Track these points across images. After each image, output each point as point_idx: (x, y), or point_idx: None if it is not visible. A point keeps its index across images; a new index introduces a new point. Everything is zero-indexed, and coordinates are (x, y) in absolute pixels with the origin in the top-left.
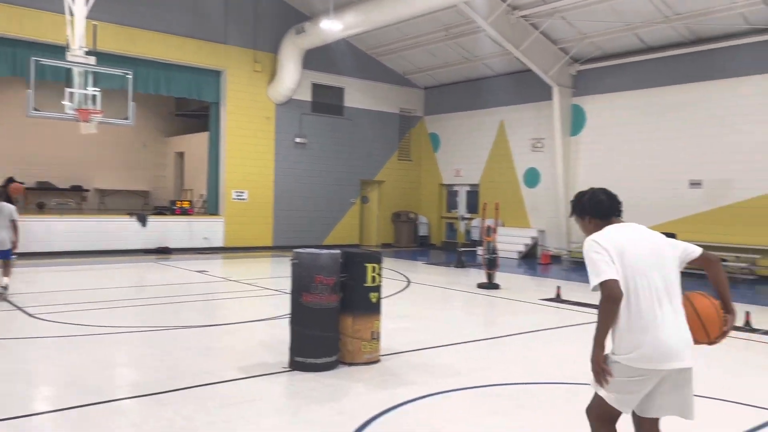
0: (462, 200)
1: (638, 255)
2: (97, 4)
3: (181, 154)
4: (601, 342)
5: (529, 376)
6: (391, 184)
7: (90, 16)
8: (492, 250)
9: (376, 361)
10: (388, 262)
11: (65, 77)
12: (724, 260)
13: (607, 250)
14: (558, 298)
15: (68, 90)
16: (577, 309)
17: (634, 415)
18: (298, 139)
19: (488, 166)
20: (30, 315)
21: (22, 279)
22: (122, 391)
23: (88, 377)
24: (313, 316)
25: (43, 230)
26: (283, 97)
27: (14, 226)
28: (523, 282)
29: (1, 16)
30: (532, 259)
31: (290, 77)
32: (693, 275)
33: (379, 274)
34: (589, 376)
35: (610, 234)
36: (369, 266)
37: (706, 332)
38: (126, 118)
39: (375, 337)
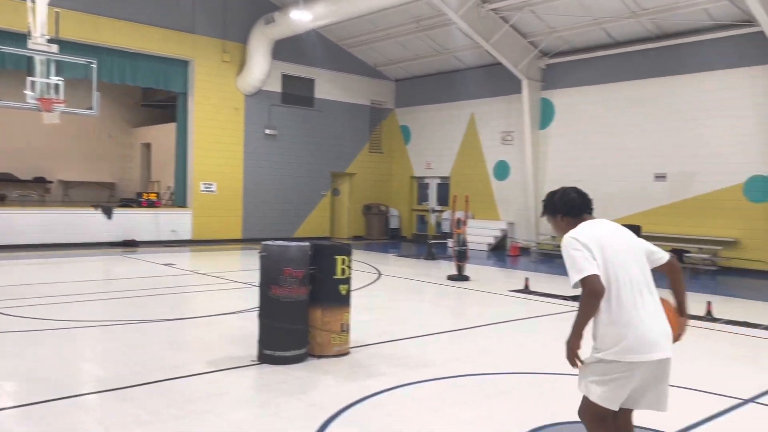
0: (433, 193)
1: (617, 249)
2: None
3: (147, 145)
4: (579, 332)
5: (498, 367)
6: (362, 177)
7: (52, 3)
8: (462, 243)
9: (346, 354)
10: (358, 255)
11: (26, 66)
12: (687, 252)
13: (587, 246)
14: (526, 290)
15: (30, 79)
16: (544, 300)
17: None
18: (267, 131)
19: (459, 158)
20: None
21: None
22: (86, 386)
23: (51, 372)
24: (282, 309)
25: (5, 223)
26: (252, 88)
27: None
28: (493, 274)
29: None
30: (501, 251)
31: (259, 68)
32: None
33: (349, 267)
34: (577, 382)
35: (586, 230)
36: (339, 258)
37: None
38: (90, 108)
39: (345, 330)
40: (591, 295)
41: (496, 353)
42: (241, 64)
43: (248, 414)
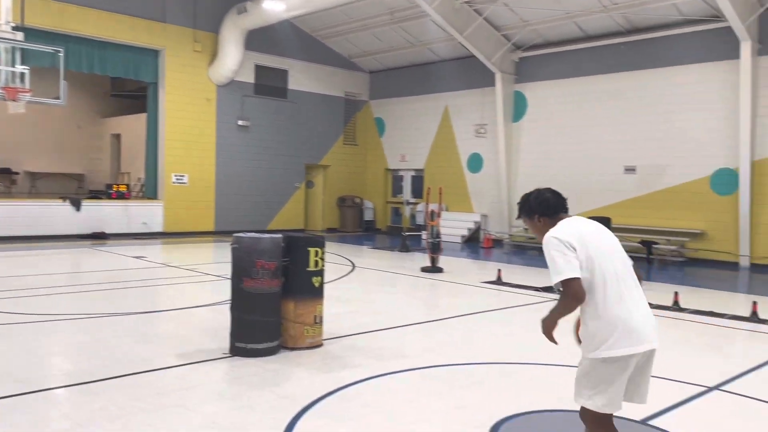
0: (407, 185)
1: (598, 244)
2: None
3: (117, 136)
4: (555, 320)
5: (472, 357)
6: (337, 169)
7: None
8: (436, 235)
9: (319, 345)
10: (333, 247)
11: None
12: (656, 243)
13: (570, 243)
14: (499, 281)
15: None
16: (517, 291)
17: None
18: (240, 122)
19: (433, 151)
20: None
21: None
22: (54, 380)
23: (18, 366)
24: (254, 302)
25: None
26: (224, 79)
27: None
28: (466, 265)
29: None
30: (474, 243)
31: (232, 58)
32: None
33: (322, 259)
34: (573, 396)
35: (566, 227)
36: (312, 250)
37: None
38: (57, 98)
39: (318, 322)
40: (573, 299)
41: (469, 344)
42: (213, 54)
43: (220, 407)
